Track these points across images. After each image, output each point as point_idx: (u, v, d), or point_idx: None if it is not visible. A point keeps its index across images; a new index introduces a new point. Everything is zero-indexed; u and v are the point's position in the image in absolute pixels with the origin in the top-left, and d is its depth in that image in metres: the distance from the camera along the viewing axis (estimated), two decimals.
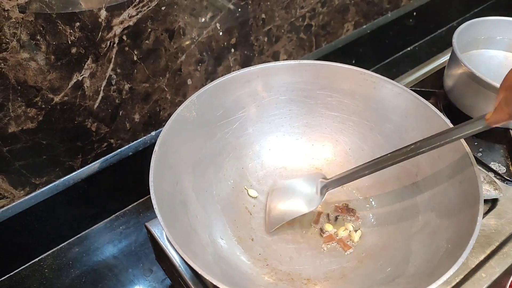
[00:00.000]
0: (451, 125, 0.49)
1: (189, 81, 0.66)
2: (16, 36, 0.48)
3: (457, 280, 0.50)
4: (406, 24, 0.90)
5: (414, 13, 0.89)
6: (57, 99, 0.55)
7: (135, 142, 0.66)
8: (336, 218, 0.53)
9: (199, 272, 0.38)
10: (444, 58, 0.78)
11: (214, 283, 0.37)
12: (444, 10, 0.96)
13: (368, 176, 0.54)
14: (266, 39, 0.71)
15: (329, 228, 0.52)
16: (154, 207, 0.42)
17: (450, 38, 0.66)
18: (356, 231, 0.52)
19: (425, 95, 0.53)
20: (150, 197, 0.71)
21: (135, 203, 0.71)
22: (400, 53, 0.94)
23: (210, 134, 0.53)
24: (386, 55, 0.92)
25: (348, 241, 0.51)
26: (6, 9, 0.46)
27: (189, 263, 0.38)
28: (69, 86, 0.55)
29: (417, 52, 0.95)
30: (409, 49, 0.95)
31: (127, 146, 0.65)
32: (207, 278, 0.37)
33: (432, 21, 0.96)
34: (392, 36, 0.90)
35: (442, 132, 0.44)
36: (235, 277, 0.45)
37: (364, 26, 0.84)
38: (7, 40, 0.48)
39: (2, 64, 0.49)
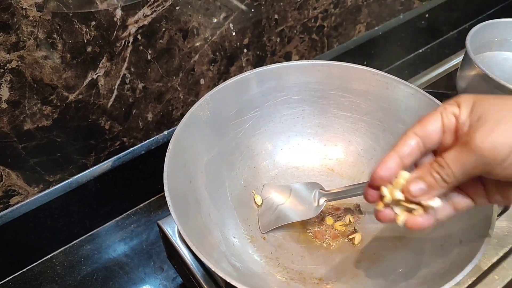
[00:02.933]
0: None
1: (202, 81, 0.66)
2: (33, 35, 0.48)
3: (470, 282, 0.50)
4: (418, 26, 0.90)
5: (426, 15, 0.89)
6: (72, 97, 0.55)
7: (147, 141, 0.66)
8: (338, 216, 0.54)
9: (212, 269, 0.38)
10: (457, 60, 0.78)
11: (227, 280, 0.37)
12: (456, 12, 0.95)
13: None
14: (278, 39, 0.71)
15: (329, 222, 0.52)
16: (168, 204, 0.42)
17: (463, 40, 0.66)
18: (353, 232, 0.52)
19: (438, 97, 0.53)
20: (161, 196, 0.72)
21: (146, 202, 0.71)
22: (412, 55, 0.94)
23: (223, 133, 0.53)
24: (398, 56, 0.92)
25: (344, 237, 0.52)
26: (24, 7, 0.46)
27: (202, 260, 0.38)
28: (84, 85, 0.55)
29: (429, 54, 0.95)
30: (421, 51, 0.95)
31: (139, 145, 0.66)
32: (220, 275, 0.38)
33: (444, 23, 0.96)
34: (404, 38, 0.90)
35: None
36: (247, 275, 0.45)
37: (376, 28, 0.84)
38: (24, 39, 0.48)
39: (19, 62, 0.49)
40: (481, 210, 0.44)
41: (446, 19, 0.95)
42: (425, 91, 0.53)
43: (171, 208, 0.41)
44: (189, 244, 0.39)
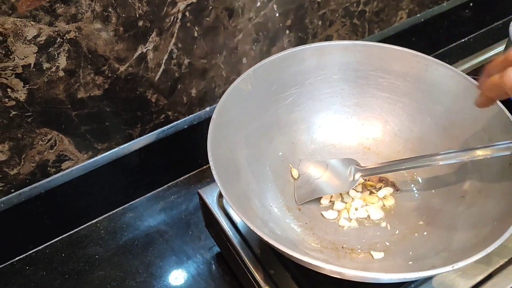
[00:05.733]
0: (504, 109, 0.49)
1: (244, 60, 0.68)
2: (90, 7, 0.52)
3: (501, 263, 0.50)
4: (461, 15, 0.90)
5: (471, 4, 0.88)
6: (122, 69, 0.58)
7: (190, 116, 0.69)
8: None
9: (252, 228, 0.40)
10: (499, 48, 0.77)
11: (265, 239, 0.40)
12: (502, 1, 0.94)
13: None
14: (320, 22, 0.72)
15: (363, 197, 0.54)
16: (212, 168, 0.44)
17: (507, 31, 0.65)
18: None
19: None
20: (201, 170, 0.75)
21: (187, 175, 0.74)
22: (454, 44, 0.93)
23: (264, 108, 0.56)
24: (440, 45, 0.92)
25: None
26: None
27: (242, 219, 0.40)
28: (134, 58, 0.58)
29: (471, 44, 0.94)
30: (463, 40, 0.94)
31: (183, 119, 0.68)
32: (259, 235, 0.40)
33: (489, 12, 0.95)
34: (447, 26, 0.89)
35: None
36: (284, 240, 0.47)
37: (418, 15, 0.84)
38: (83, 11, 0.52)
39: (77, 33, 0.53)
40: None
41: (491, 9, 0.94)
42: None
43: (214, 172, 0.44)
44: (230, 204, 0.41)
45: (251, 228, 0.40)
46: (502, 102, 0.50)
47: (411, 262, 0.46)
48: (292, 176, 0.56)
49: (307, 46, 0.56)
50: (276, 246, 0.39)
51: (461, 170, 0.52)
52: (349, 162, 0.54)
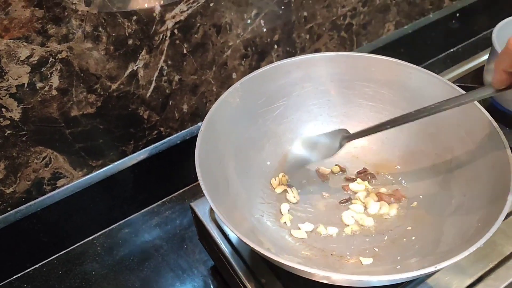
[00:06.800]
0: (486, 113, 0.51)
1: (234, 75, 0.70)
2: (81, 28, 0.53)
3: (491, 266, 0.51)
4: (448, 25, 0.91)
5: (457, 14, 0.90)
6: (114, 86, 0.60)
7: (183, 131, 0.70)
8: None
9: (240, 238, 0.41)
10: (484, 57, 0.78)
11: (254, 247, 0.40)
12: (488, 12, 0.96)
13: (403, 164, 0.57)
14: (308, 36, 0.74)
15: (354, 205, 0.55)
16: (199, 179, 0.45)
17: None
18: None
19: (464, 90, 0.54)
20: (195, 185, 0.76)
21: (181, 191, 0.75)
22: (442, 54, 0.95)
23: (252, 120, 0.57)
24: (428, 56, 0.93)
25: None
26: (74, 2, 0.51)
27: (230, 229, 0.41)
28: (125, 75, 0.60)
29: (459, 54, 0.95)
30: (451, 50, 0.96)
31: (175, 135, 0.70)
32: (248, 243, 0.41)
33: (475, 23, 0.96)
34: (434, 37, 0.91)
35: (457, 96, 0.48)
36: (272, 248, 0.48)
37: (406, 26, 0.86)
38: (74, 31, 0.53)
39: (68, 53, 0.54)
40: (499, 191, 0.45)
41: (478, 19, 0.96)
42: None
43: (201, 183, 0.45)
44: (218, 214, 0.42)
45: (240, 237, 0.41)
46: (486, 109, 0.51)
47: (399, 266, 0.46)
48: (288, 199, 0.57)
49: (292, 59, 0.57)
50: (264, 253, 0.40)
51: (448, 174, 0.53)
52: (339, 132, 0.55)
